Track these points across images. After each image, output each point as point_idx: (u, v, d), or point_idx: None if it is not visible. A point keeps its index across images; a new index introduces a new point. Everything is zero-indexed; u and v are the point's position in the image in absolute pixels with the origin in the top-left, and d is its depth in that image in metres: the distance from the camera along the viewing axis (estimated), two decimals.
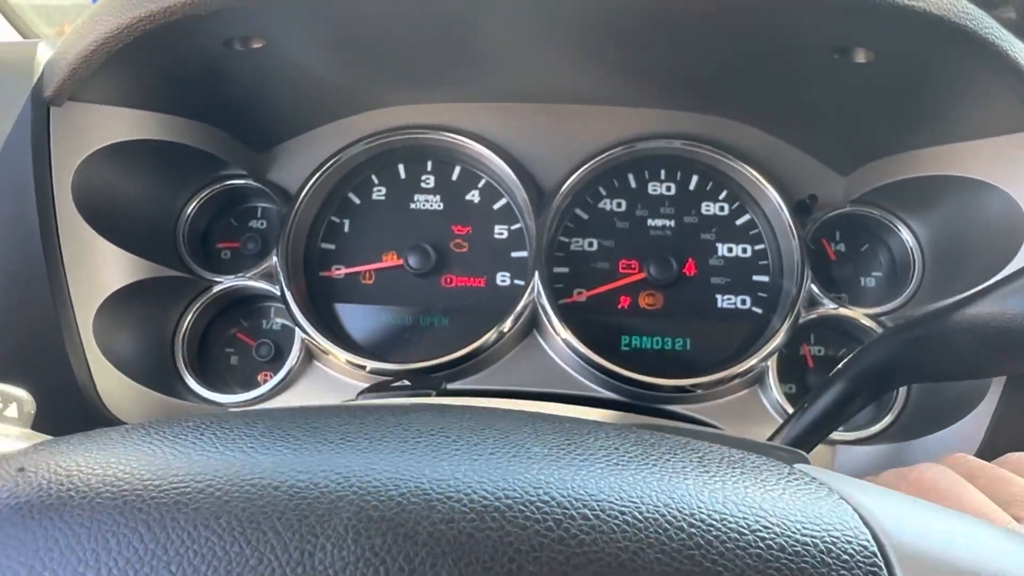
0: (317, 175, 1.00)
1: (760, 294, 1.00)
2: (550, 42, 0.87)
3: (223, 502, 0.32)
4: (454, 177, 1.05)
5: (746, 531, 0.31)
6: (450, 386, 0.92)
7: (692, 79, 0.94)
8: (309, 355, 0.97)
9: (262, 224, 1.06)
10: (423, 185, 1.05)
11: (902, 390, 0.93)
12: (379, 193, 1.05)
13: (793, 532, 0.32)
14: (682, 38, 0.82)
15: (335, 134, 1.04)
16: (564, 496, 0.32)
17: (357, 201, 1.05)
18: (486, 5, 0.78)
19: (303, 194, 1.00)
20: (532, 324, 0.97)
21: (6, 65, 0.84)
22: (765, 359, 0.92)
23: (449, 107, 1.04)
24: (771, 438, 0.77)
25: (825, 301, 0.96)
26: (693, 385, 0.92)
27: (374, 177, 1.05)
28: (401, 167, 1.05)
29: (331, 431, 0.40)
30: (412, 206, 1.05)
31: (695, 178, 1.03)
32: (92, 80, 0.80)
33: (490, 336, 0.94)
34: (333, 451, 0.37)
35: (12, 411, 0.63)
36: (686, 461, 0.38)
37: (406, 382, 0.74)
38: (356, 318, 1.02)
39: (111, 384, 0.86)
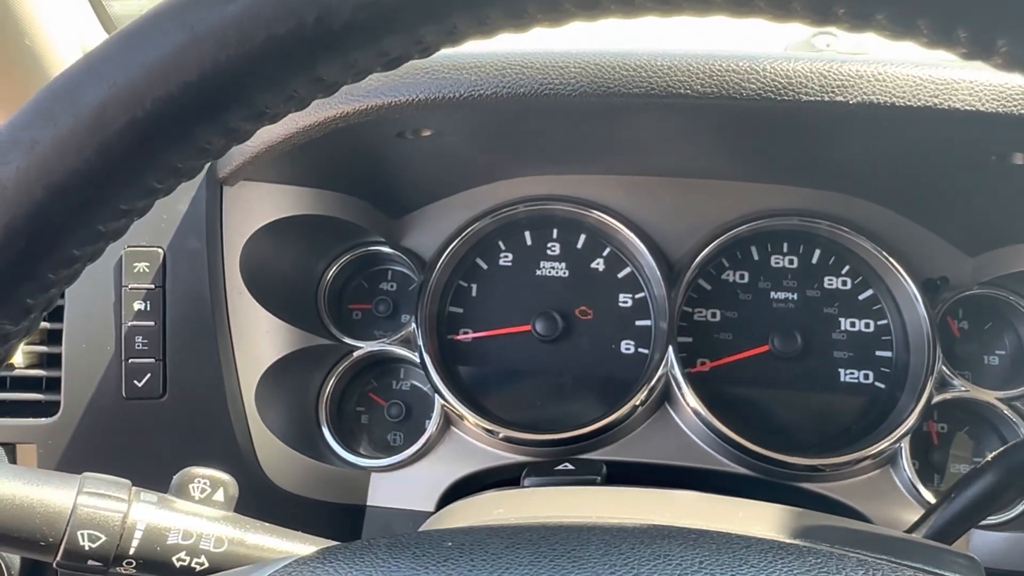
0: (452, 245, 1.04)
1: (883, 369, 1.02)
2: (690, 133, 0.90)
3: None
4: (579, 245, 1.08)
5: None
6: (587, 456, 0.95)
7: (828, 165, 0.96)
8: (447, 421, 1.01)
9: (392, 287, 1.09)
10: (549, 252, 1.08)
11: None
12: (506, 259, 1.08)
13: None
14: (835, 139, 0.84)
15: (465, 203, 1.07)
16: None
17: (484, 267, 1.08)
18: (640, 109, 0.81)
19: (439, 262, 1.03)
20: (664, 395, 1.00)
21: None
22: (899, 440, 0.94)
23: (575, 179, 1.06)
24: (916, 526, 0.78)
25: (954, 381, 0.97)
26: (824, 465, 0.94)
27: (501, 243, 1.08)
28: (527, 234, 1.08)
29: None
30: (538, 272, 1.08)
31: (817, 252, 1.05)
32: (267, 164, 0.84)
33: (625, 409, 0.96)
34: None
35: (219, 495, 0.67)
36: None
37: (569, 466, 0.77)
38: (481, 381, 1.05)
39: (269, 450, 0.90)
